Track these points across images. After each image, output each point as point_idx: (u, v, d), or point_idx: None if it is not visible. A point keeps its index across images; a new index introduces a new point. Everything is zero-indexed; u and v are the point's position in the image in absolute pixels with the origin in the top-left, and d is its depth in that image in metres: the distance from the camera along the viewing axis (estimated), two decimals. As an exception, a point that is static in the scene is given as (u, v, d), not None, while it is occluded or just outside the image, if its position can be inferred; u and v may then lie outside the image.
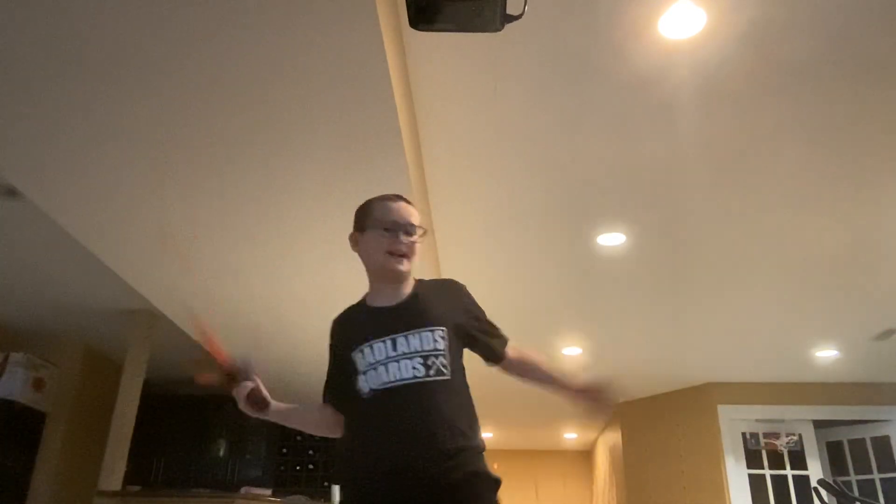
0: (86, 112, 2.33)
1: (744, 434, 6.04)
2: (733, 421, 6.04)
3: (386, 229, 1.59)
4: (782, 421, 6.06)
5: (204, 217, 3.07)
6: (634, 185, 3.15)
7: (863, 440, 6.18)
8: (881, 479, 5.96)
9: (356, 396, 1.50)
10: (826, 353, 5.32)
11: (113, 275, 3.62)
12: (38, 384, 5.03)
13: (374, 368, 1.48)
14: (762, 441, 6.03)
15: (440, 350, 1.49)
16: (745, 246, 3.69)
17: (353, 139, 2.48)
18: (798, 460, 5.95)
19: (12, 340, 5.16)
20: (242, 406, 1.55)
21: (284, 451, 6.42)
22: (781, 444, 6.02)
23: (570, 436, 8.98)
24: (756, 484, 5.84)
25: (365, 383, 1.48)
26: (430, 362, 1.47)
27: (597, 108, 2.67)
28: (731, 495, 5.73)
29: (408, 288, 1.62)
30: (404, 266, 1.59)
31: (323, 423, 1.62)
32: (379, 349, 1.49)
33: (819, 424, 6.09)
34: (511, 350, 1.68)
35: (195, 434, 6.31)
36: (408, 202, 1.67)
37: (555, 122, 2.75)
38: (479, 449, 1.50)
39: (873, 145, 2.85)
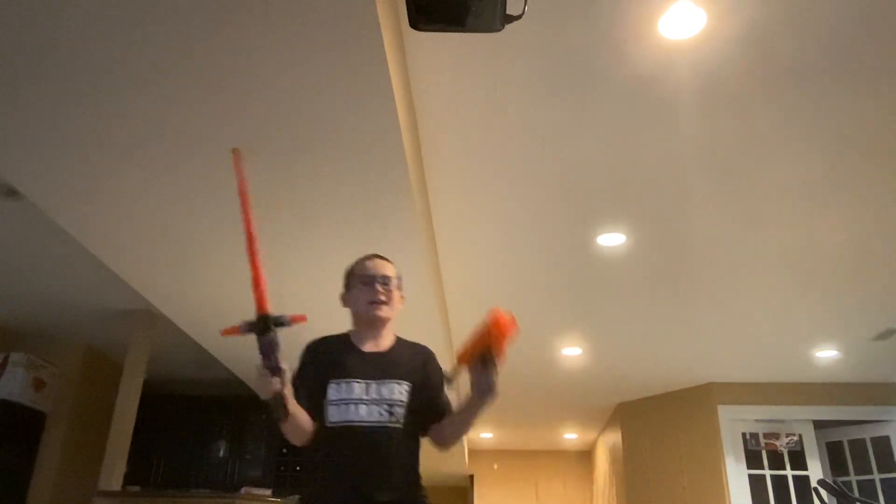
0: (86, 112, 2.33)
1: (744, 434, 6.04)
2: (733, 421, 6.04)
3: (364, 283, 1.86)
4: (782, 421, 6.06)
5: (203, 218, 3.07)
6: (634, 185, 3.15)
7: (863, 440, 6.18)
8: (881, 480, 5.96)
9: (321, 421, 1.73)
10: (826, 353, 5.32)
11: (113, 275, 3.62)
12: (38, 384, 5.03)
13: (346, 404, 1.72)
14: (762, 441, 6.03)
15: (402, 401, 1.74)
16: (745, 246, 3.69)
17: (352, 139, 2.47)
18: (798, 460, 5.95)
19: (12, 340, 5.17)
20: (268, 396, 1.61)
21: (284, 451, 6.42)
22: (781, 444, 6.02)
23: (570, 436, 8.98)
24: (756, 484, 5.84)
25: (335, 414, 1.71)
26: (393, 410, 1.73)
27: (597, 108, 2.67)
28: (731, 495, 5.73)
29: (389, 339, 1.88)
30: (384, 312, 1.85)
31: (299, 430, 1.75)
32: (354, 388, 1.74)
33: (819, 424, 6.09)
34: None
35: (195, 434, 6.31)
36: (383, 258, 1.94)
37: (555, 122, 2.75)
38: (422, 489, 1.82)
39: (873, 145, 2.85)
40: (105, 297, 4.55)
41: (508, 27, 1.83)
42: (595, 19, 2.24)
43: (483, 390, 1.63)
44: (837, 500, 3.93)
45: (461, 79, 2.55)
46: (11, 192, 3.10)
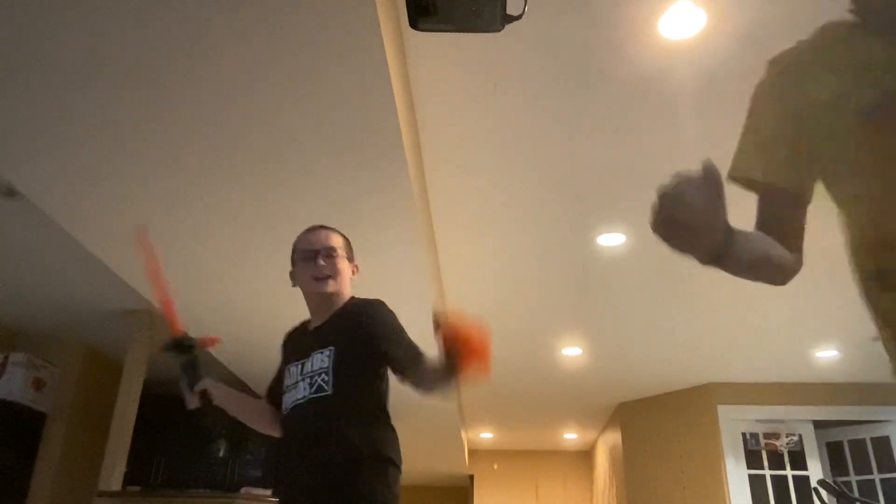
0: (86, 112, 2.33)
1: (744, 434, 6.03)
2: (733, 421, 6.04)
3: (305, 259, 1.73)
4: (782, 421, 6.05)
5: (203, 218, 3.07)
6: (634, 185, 3.14)
7: (863, 440, 6.18)
8: (881, 480, 5.96)
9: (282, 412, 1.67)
10: (826, 353, 5.32)
11: (113, 275, 3.62)
12: (38, 384, 5.03)
13: (289, 391, 1.64)
14: (762, 441, 6.03)
15: (323, 368, 1.60)
16: (745, 246, 3.69)
17: (352, 139, 2.47)
18: (798, 461, 5.94)
19: (12, 340, 5.16)
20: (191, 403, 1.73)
21: (284, 451, 6.41)
22: (781, 444, 6.02)
23: (570, 436, 8.98)
24: (756, 484, 5.84)
25: (284, 403, 1.65)
26: (313, 381, 1.60)
27: (597, 108, 2.67)
28: (731, 496, 5.72)
29: (335, 309, 1.72)
30: (329, 287, 1.71)
31: (264, 419, 1.76)
32: (294, 371, 1.66)
33: (819, 425, 6.09)
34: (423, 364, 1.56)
35: (195, 434, 6.31)
36: (327, 228, 1.80)
37: (555, 122, 2.75)
38: (372, 460, 1.54)
39: (873, 145, 2.85)
40: (105, 297, 4.55)
41: (508, 27, 1.82)
42: (595, 19, 2.24)
43: (439, 380, 1.46)
44: (837, 501, 3.93)
45: (461, 79, 2.55)
46: (11, 192, 3.10)
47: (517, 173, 3.11)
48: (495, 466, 9.73)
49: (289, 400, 1.63)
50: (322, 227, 1.81)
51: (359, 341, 1.62)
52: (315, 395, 1.58)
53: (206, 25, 1.96)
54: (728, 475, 5.80)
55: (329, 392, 1.57)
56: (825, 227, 3.81)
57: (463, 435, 7.74)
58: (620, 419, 7.00)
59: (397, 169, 2.61)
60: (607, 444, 8.00)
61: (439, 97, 2.64)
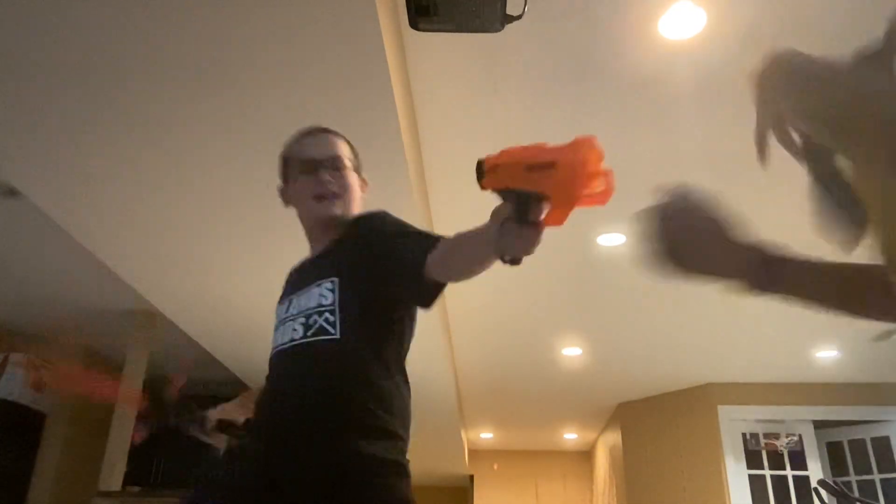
0: (87, 112, 2.32)
1: (744, 434, 6.04)
2: (733, 421, 6.04)
3: (305, 171, 1.33)
4: (782, 421, 6.06)
5: (203, 218, 3.07)
6: (634, 185, 3.14)
7: (863, 440, 6.18)
8: (881, 480, 5.96)
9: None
10: (826, 353, 5.32)
11: (113, 275, 3.62)
12: (38, 384, 5.03)
13: (274, 330, 1.29)
14: (762, 441, 6.03)
15: (325, 305, 1.20)
16: (745, 246, 3.69)
17: (352, 140, 2.47)
18: (798, 461, 5.95)
19: (12, 340, 5.16)
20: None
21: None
22: (781, 444, 6.02)
23: (570, 436, 8.98)
24: (756, 484, 5.84)
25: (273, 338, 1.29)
26: (310, 321, 1.20)
27: (597, 108, 2.67)
28: (731, 496, 5.73)
29: (339, 233, 1.33)
30: (337, 208, 1.32)
31: None
32: (281, 310, 1.30)
33: (819, 425, 6.09)
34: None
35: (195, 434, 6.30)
36: (329, 131, 1.41)
37: (555, 122, 2.75)
38: (377, 433, 1.12)
39: (873, 145, 2.85)
40: (105, 297, 4.55)
41: (508, 27, 1.83)
42: (595, 19, 2.24)
43: (503, 246, 0.94)
44: (837, 501, 3.93)
45: (461, 79, 2.55)
46: (11, 192, 3.10)
47: (517, 173, 3.11)
48: (495, 466, 9.73)
49: (272, 344, 1.27)
50: (323, 129, 1.41)
51: (369, 267, 1.21)
52: (312, 340, 1.18)
53: (209, 28, 1.96)
54: (728, 475, 5.80)
55: (336, 336, 1.17)
56: (825, 227, 3.71)
57: (463, 435, 7.74)
58: (620, 419, 7.00)
59: (397, 169, 2.61)
60: (607, 444, 8.01)
61: (439, 97, 2.64)
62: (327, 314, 1.19)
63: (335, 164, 1.34)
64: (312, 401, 1.15)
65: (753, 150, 0.76)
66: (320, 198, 1.32)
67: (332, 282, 1.22)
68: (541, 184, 0.88)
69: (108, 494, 4.10)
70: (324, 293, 1.22)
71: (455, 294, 4.42)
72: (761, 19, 2.23)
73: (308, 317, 1.21)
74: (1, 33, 1.98)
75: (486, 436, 9.09)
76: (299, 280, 1.31)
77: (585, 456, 9.77)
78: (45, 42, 2.02)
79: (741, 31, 2.28)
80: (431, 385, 5.08)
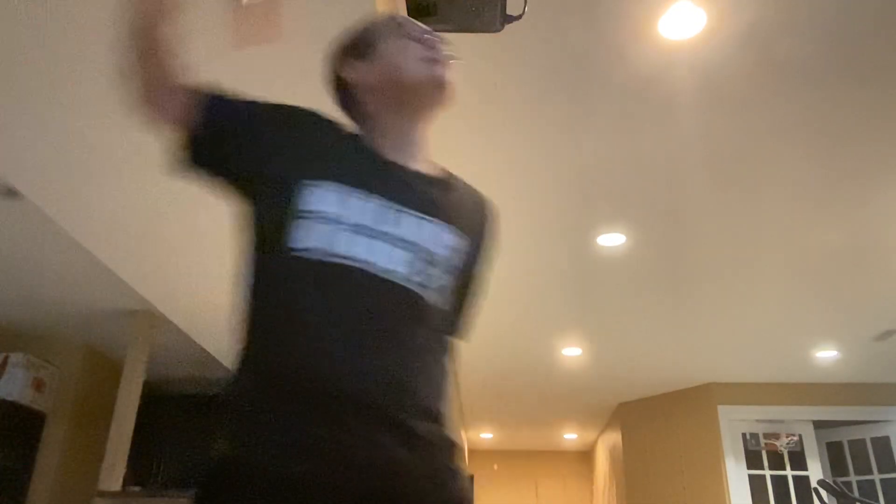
0: (87, 112, 2.33)
1: (744, 434, 6.04)
2: (733, 421, 6.04)
3: (413, 39, 1.07)
4: (782, 421, 6.06)
5: (203, 219, 3.07)
6: (634, 185, 3.14)
7: (863, 440, 6.18)
8: (881, 480, 5.96)
9: (275, 240, 0.91)
10: (826, 354, 5.32)
11: (113, 275, 3.62)
12: (38, 384, 5.03)
13: (347, 231, 0.90)
14: (762, 441, 6.03)
15: (452, 264, 0.97)
16: (745, 246, 3.69)
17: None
18: (798, 461, 5.95)
19: (12, 340, 5.16)
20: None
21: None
22: (781, 444, 6.02)
23: (570, 436, 8.98)
24: (756, 484, 5.84)
25: (310, 237, 0.89)
26: (432, 269, 0.93)
27: (597, 108, 2.67)
28: (731, 496, 5.73)
29: (432, 163, 1.08)
30: (451, 77, 1.06)
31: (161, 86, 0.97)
32: (373, 209, 0.93)
33: (819, 425, 6.09)
34: None
35: (195, 434, 6.31)
36: None
37: (555, 122, 2.75)
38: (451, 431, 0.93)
39: (873, 145, 2.85)
40: (105, 297, 4.55)
41: (508, 27, 1.82)
42: (595, 19, 2.24)
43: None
44: (837, 501, 3.94)
45: (461, 79, 2.54)
46: (11, 192, 3.10)
47: (517, 173, 3.11)
48: (495, 466, 9.73)
49: (337, 246, 0.89)
50: None
51: (475, 262, 1.06)
52: (426, 294, 0.92)
53: (209, 28, 1.96)
54: (728, 475, 5.81)
55: (436, 302, 0.94)
56: (825, 227, 3.81)
57: (463, 435, 7.74)
58: (620, 419, 7.00)
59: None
60: (607, 444, 8.01)
61: (439, 97, 2.64)
62: (447, 276, 0.95)
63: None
64: (429, 384, 0.90)
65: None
66: (432, 60, 1.05)
67: (466, 241, 1.01)
68: None
69: (108, 494, 4.10)
70: (455, 246, 0.98)
71: (455, 294, 4.41)
72: (761, 19, 2.23)
73: (432, 259, 0.93)
74: (2, 37, 1.98)
75: (486, 436, 9.09)
76: (402, 184, 0.99)
77: (585, 456, 9.77)
78: (46, 43, 2.01)
79: (741, 31, 2.28)
80: (431, 385, 5.07)
